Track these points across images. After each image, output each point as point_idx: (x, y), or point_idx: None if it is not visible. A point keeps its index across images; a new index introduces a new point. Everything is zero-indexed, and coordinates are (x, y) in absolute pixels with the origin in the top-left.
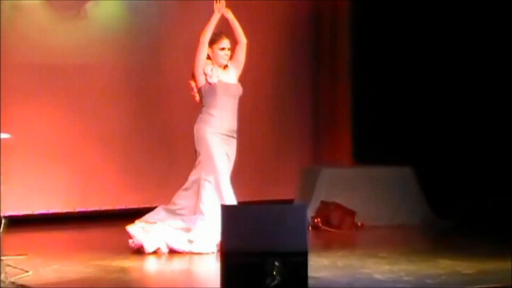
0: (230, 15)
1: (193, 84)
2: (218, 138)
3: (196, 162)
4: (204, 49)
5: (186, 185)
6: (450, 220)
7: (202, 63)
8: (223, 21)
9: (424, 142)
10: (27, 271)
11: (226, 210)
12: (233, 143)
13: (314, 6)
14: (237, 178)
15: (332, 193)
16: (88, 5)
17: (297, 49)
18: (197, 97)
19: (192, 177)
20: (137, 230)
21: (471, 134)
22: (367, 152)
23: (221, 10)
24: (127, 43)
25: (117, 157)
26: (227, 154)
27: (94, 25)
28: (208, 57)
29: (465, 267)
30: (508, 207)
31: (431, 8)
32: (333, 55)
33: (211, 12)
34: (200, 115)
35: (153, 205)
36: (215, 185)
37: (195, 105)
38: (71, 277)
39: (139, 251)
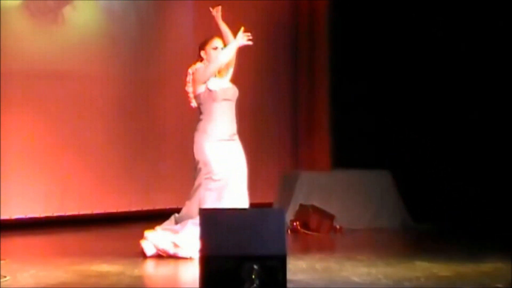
0: (218, 16)
1: (189, 90)
2: (217, 144)
3: (197, 170)
4: (217, 68)
5: (190, 194)
6: (428, 224)
7: (209, 78)
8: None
9: (402, 146)
10: (5, 277)
11: (204, 214)
12: (236, 145)
13: (292, 9)
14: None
15: (311, 197)
16: (66, 10)
17: (275, 52)
18: (194, 104)
19: (194, 186)
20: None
21: (449, 138)
22: (345, 156)
23: (218, 14)
24: (106, 47)
25: (95, 162)
26: (232, 158)
27: (72, 31)
28: (201, 59)
29: (442, 269)
30: (486, 211)
31: (414, 8)
32: (312, 59)
33: (188, 15)
34: (199, 123)
35: (132, 210)
36: (216, 190)
37: (178, 110)
38: (49, 282)
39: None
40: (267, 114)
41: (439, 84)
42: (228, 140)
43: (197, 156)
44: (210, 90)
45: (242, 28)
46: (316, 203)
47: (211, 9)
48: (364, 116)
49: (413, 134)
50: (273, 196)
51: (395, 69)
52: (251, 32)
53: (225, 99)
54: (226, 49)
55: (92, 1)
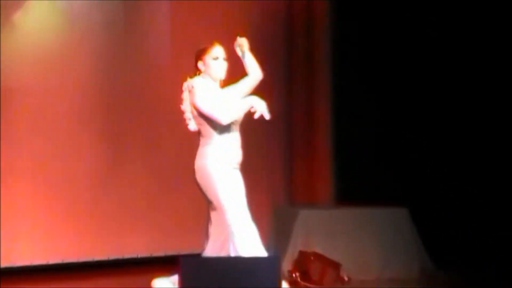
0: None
1: (186, 109)
2: (235, 176)
3: (211, 208)
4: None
5: (209, 244)
6: (452, 271)
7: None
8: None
9: (421, 176)
10: None
11: (185, 263)
12: (240, 176)
13: (287, 10)
14: (197, 218)
15: (312, 241)
16: (16, 16)
17: (265, 58)
18: (193, 126)
19: (214, 230)
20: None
21: (481, 167)
22: (350, 186)
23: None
24: (67, 56)
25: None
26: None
27: (25, 39)
28: (198, 71)
29: None
30: None
31: (422, 14)
32: (309, 68)
33: (165, 16)
34: (204, 149)
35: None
36: (254, 232)
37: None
38: None
39: None
40: (255, 133)
41: (460, 105)
42: (235, 168)
43: (209, 187)
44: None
45: (245, 43)
46: (318, 248)
47: (236, 47)
48: (374, 138)
49: (436, 160)
50: (263, 235)
51: (410, 80)
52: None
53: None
54: (240, 107)
55: (47, 2)
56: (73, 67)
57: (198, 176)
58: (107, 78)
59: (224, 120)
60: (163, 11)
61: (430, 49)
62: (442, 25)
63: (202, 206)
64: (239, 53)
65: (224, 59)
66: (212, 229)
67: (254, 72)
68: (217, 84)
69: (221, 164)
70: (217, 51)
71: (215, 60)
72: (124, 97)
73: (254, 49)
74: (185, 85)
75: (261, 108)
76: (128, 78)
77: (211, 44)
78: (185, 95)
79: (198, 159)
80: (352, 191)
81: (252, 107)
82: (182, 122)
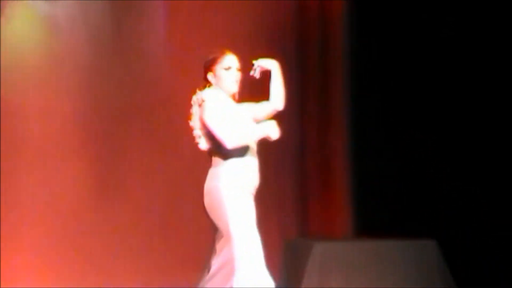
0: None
1: (196, 125)
2: (243, 196)
3: (217, 237)
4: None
5: (211, 272)
6: None
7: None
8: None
9: (450, 206)
10: None
11: None
12: (253, 204)
13: (299, 12)
14: (200, 252)
15: (329, 277)
16: None
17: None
18: (204, 145)
19: (217, 260)
20: None
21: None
22: (372, 220)
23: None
24: (50, 70)
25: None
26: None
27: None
28: (209, 84)
29: None
30: None
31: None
32: (325, 88)
33: (159, 21)
34: (215, 169)
35: None
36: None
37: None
38: None
39: None
40: (265, 157)
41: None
42: (250, 194)
43: (219, 213)
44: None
45: (276, 66)
46: (336, 285)
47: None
48: (396, 164)
49: (467, 186)
50: (274, 270)
51: (437, 102)
52: (245, 44)
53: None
54: (253, 133)
55: (28, 11)
56: (58, 83)
57: (208, 199)
58: (95, 95)
59: (229, 144)
60: (157, 18)
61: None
62: (463, 27)
63: (203, 240)
64: (255, 73)
65: (238, 69)
66: (215, 260)
67: (276, 102)
68: (231, 98)
69: (235, 187)
70: (229, 61)
71: (227, 71)
72: (115, 116)
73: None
74: (195, 98)
75: (275, 138)
76: (120, 95)
77: (221, 52)
78: (195, 110)
79: (209, 180)
80: (373, 222)
81: (267, 137)
82: (180, 146)
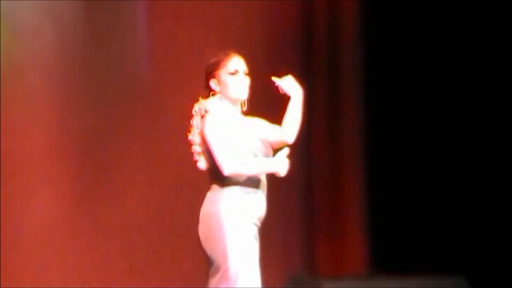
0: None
1: (195, 140)
2: (248, 226)
3: (211, 273)
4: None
5: None
6: None
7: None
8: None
9: (480, 237)
10: None
11: None
12: (258, 236)
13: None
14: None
15: None
16: None
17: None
18: (202, 163)
19: None
20: None
21: None
22: (389, 254)
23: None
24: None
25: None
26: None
27: None
28: (212, 92)
29: None
30: None
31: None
32: (334, 88)
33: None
34: (216, 193)
35: None
36: None
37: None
38: None
39: None
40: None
41: None
42: (256, 226)
43: (220, 248)
44: (239, 145)
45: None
46: None
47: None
48: (418, 191)
49: (499, 215)
50: None
51: (462, 119)
52: (241, 48)
53: (261, 154)
54: (257, 166)
55: None
56: (23, 90)
57: (204, 227)
58: (67, 104)
59: (226, 169)
60: (139, 16)
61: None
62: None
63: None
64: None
65: (245, 73)
66: None
67: (286, 134)
68: (238, 109)
69: (238, 214)
70: (235, 64)
71: (234, 76)
72: (92, 125)
73: (256, 76)
74: (197, 107)
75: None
76: (96, 103)
77: (225, 55)
78: (196, 122)
79: (207, 205)
80: (390, 257)
81: (276, 173)
82: (165, 155)
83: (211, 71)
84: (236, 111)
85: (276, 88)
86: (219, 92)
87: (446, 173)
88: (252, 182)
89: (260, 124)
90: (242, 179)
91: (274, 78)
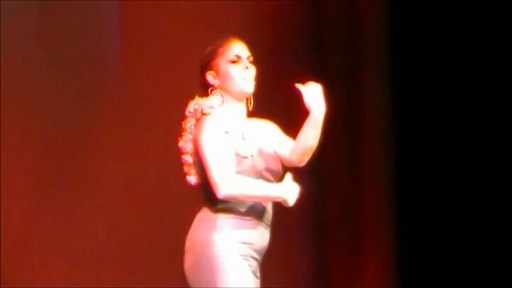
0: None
1: (188, 148)
2: (247, 259)
3: None
4: None
5: None
6: None
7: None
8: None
9: None
10: None
11: None
12: (258, 273)
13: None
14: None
15: None
16: None
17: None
18: (194, 178)
19: None
20: None
21: None
22: (417, 271)
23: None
24: None
25: None
26: None
27: None
28: (210, 88)
29: None
30: None
31: None
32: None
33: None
34: (209, 215)
35: None
36: None
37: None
38: None
39: None
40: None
41: None
42: (256, 260)
43: (212, 282)
44: (241, 157)
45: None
46: None
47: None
48: (453, 227)
49: None
50: None
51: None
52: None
53: (261, 177)
54: (259, 192)
55: None
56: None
57: (192, 257)
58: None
59: (221, 192)
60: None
61: None
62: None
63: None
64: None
65: (250, 60)
66: None
67: (298, 156)
68: (243, 109)
69: (237, 245)
70: (236, 49)
71: (236, 65)
72: (59, 135)
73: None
74: (191, 107)
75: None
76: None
77: (224, 41)
78: (189, 125)
79: (196, 230)
80: (419, 276)
81: (283, 201)
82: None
83: (207, 62)
84: (241, 112)
85: (297, 95)
86: (219, 87)
87: (486, 208)
88: (253, 209)
89: (270, 130)
90: (241, 203)
91: (298, 85)
